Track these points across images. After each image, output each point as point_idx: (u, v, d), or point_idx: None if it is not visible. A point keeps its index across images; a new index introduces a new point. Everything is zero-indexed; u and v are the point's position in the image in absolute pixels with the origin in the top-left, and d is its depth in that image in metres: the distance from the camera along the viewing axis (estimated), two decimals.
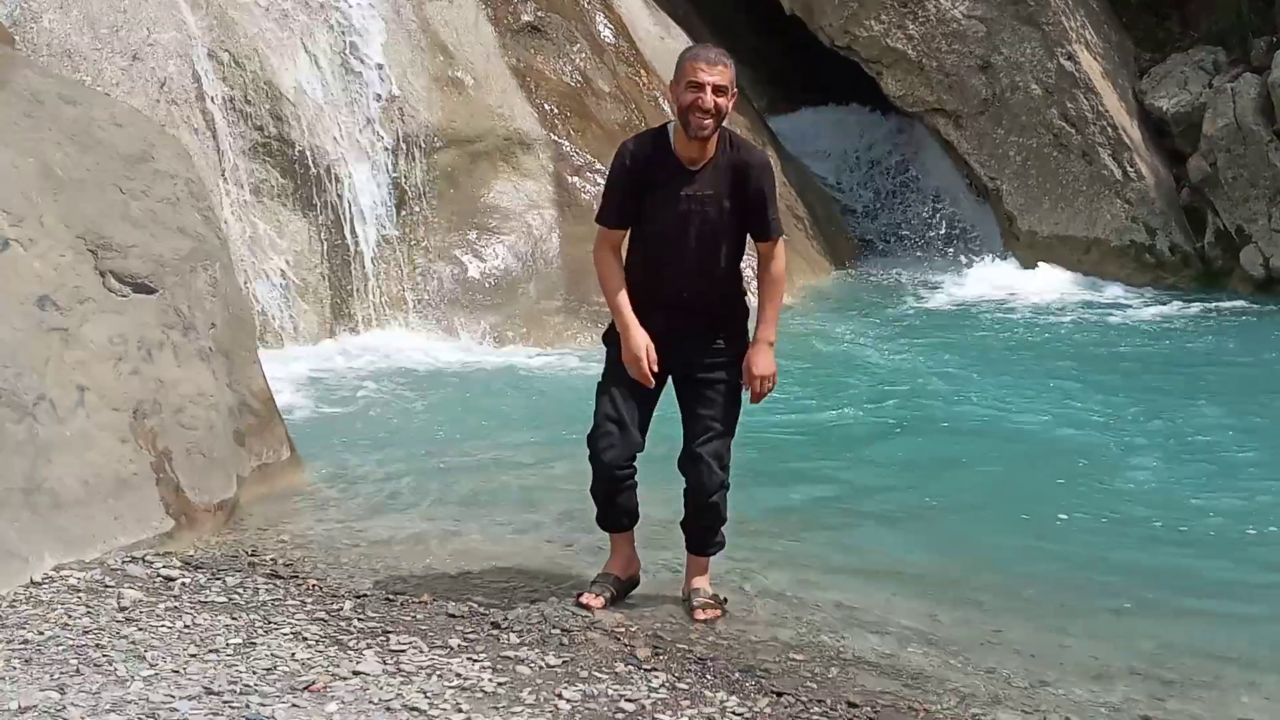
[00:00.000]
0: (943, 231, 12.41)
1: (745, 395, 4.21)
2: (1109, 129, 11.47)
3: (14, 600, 3.97)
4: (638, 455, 4.17)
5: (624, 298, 4.13)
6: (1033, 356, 8.84)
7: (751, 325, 4.22)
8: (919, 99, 12.09)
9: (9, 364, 4.52)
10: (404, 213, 9.03)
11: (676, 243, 4.09)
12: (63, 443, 4.49)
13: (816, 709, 3.47)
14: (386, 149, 9.03)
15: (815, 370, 8.32)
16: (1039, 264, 11.51)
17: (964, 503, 5.72)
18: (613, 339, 4.20)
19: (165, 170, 5.70)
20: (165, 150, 5.85)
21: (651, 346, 4.07)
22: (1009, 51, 11.75)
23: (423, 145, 9.21)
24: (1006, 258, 11.77)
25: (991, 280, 11.29)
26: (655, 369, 4.08)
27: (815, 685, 3.66)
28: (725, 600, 4.25)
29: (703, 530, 4.24)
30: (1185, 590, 4.67)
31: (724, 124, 4.12)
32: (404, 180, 9.02)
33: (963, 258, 11.96)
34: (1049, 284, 11.14)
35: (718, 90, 3.98)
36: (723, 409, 4.15)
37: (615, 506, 4.21)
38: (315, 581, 4.36)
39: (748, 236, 4.21)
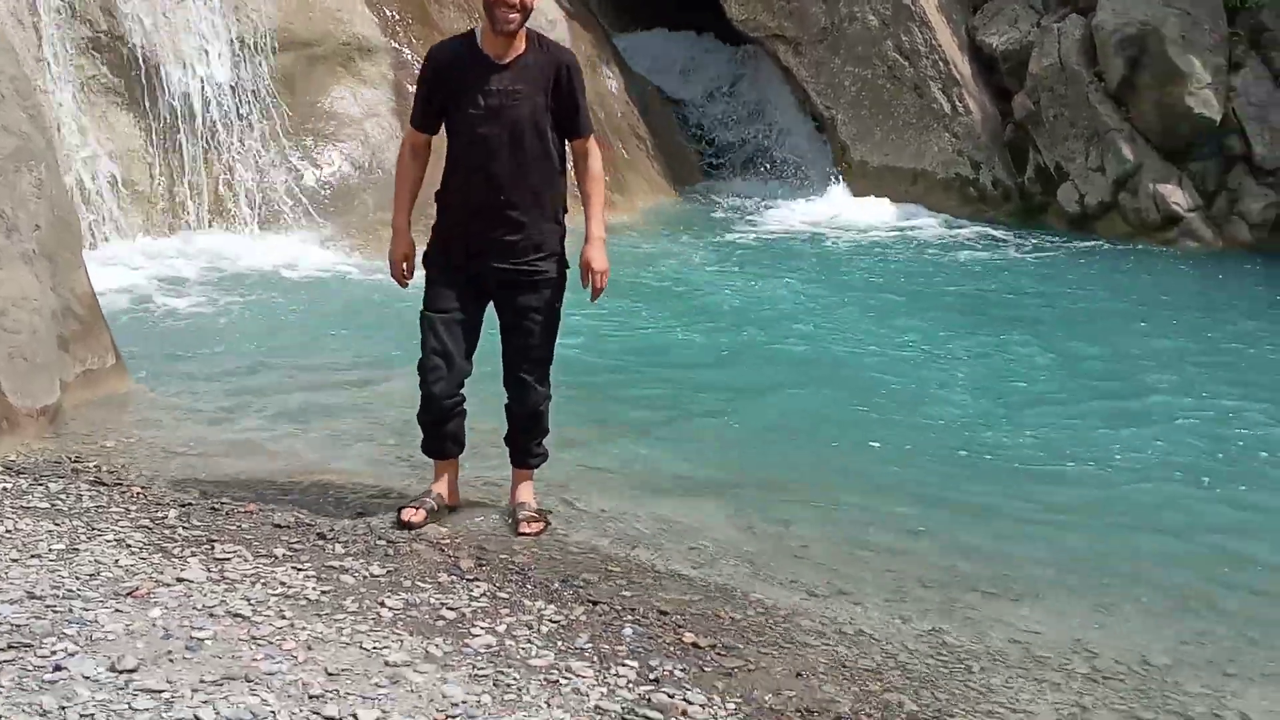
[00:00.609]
0: (781, 158, 12.67)
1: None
2: (941, 63, 11.82)
3: None
4: (465, 381, 4.27)
5: (405, 200, 4.26)
6: (856, 285, 9.17)
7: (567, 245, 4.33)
8: (760, 24, 12.27)
9: None
10: (240, 115, 8.86)
11: (488, 141, 4.10)
12: None
13: (629, 617, 3.66)
14: (222, 49, 8.83)
15: (647, 290, 8.49)
16: (868, 194, 11.87)
17: (780, 425, 5.95)
18: (431, 262, 4.26)
19: None
20: None
21: (410, 257, 4.26)
22: None
23: (260, 46, 9.02)
24: (838, 186, 12.10)
25: (823, 209, 11.62)
26: (409, 279, 4.27)
27: (629, 594, 3.84)
28: (549, 513, 4.40)
29: (526, 443, 4.37)
30: (980, 513, 4.97)
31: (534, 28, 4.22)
32: (240, 82, 8.84)
33: (798, 185, 12.25)
34: (876, 214, 11.52)
35: None
36: (543, 330, 4.25)
37: (442, 435, 4.32)
38: (140, 489, 4.37)
39: (563, 147, 4.29)
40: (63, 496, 4.21)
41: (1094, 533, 4.82)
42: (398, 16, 9.93)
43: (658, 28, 13.82)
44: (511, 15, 4.03)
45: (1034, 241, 10.96)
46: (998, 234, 11.13)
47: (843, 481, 5.21)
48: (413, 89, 9.53)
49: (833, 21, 12.07)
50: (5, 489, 4.21)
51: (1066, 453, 5.74)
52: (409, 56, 9.79)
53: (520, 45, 4.13)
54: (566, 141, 4.28)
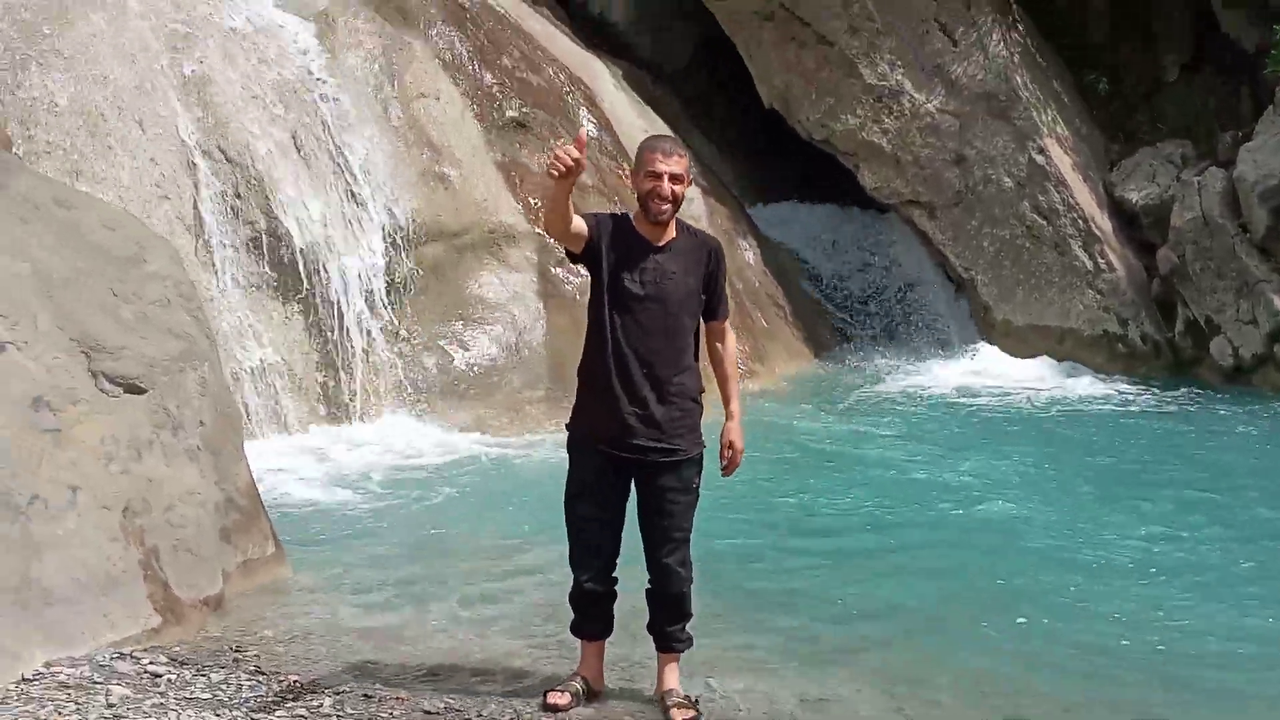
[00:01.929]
0: (920, 321, 12.67)
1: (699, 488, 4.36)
2: (1080, 221, 11.78)
3: (5, 697, 4.09)
4: (616, 563, 4.34)
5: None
6: (1006, 448, 9.01)
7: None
8: (895, 191, 12.41)
9: (3, 464, 4.66)
10: (391, 305, 9.22)
11: (641, 320, 4.25)
12: (54, 541, 4.63)
13: None
14: (375, 241, 9.24)
15: (789, 459, 8.48)
16: (1013, 353, 11.77)
17: (927, 598, 5.84)
18: (575, 444, 4.36)
19: (156, 272, 5.88)
20: (157, 252, 6.03)
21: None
22: (982, 145, 12.09)
23: (410, 238, 9.43)
24: (981, 347, 12.03)
25: (967, 370, 11.54)
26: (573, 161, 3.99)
27: None
28: (697, 700, 4.38)
29: (670, 628, 4.39)
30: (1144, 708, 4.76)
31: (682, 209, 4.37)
32: (392, 273, 9.23)
33: (939, 347, 12.21)
34: (1023, 373, 11.39)
35: (674, 178, 4.25)
36: (684, 514, 4.32)
37: (591, 617, 4.41)
38: (296, 678, 4.48)
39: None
40: (224, 686, 4.33)
41: None
42: (540, 204, 10.29)
43: (789, 198, 14.07)
44: (665, 206, 4.24)
45: (1189, 397, 10.69)
46: (1151, 390, 10.89)
47: (993, 661, 5.07)
48: (555, 272, 10.03)
49: (967, 185, 12.15)
50: (170, 680, 4.36)
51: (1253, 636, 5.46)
52: (551, 241, 10.10)
53: (672, 231, 4.31)
54: (703, 323, 4.41)
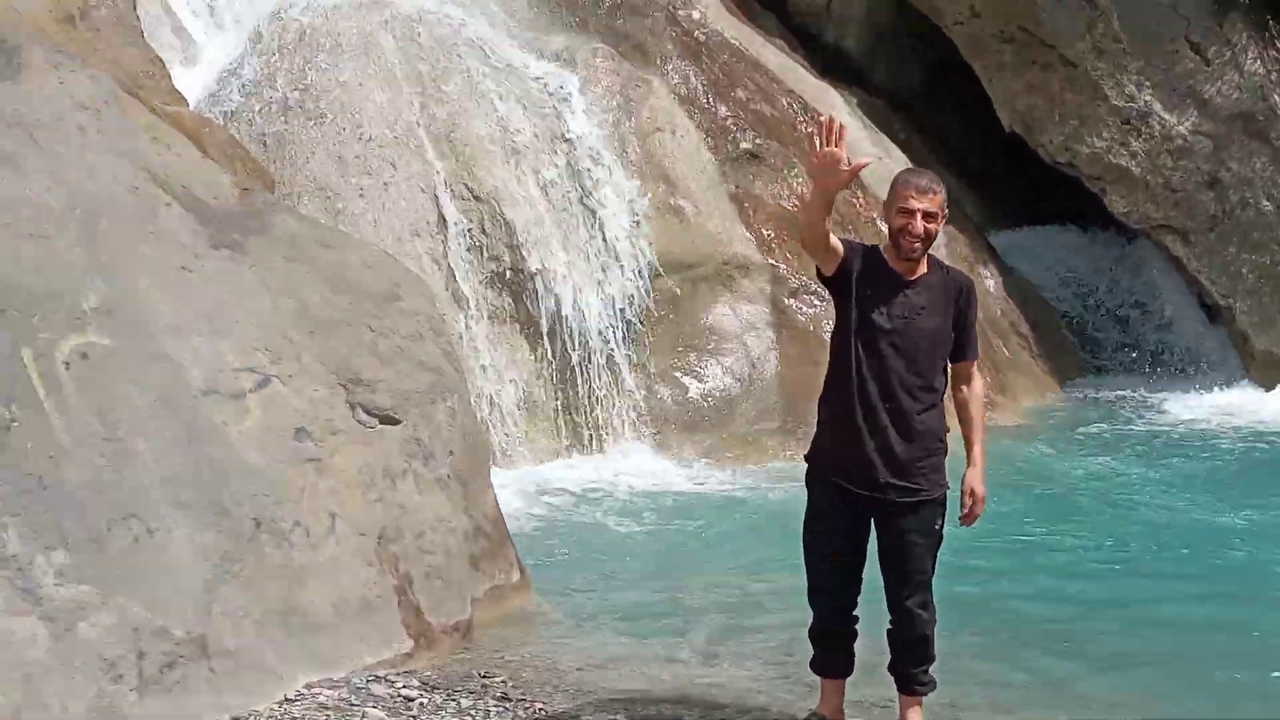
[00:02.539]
0: (1171, 350, 12.11)
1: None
2: None
3: (269, 716, 4.30)
4: (858, 600, 4.27)
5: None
6: (1266, 488, 8.51)
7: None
8: (1145, 215, 11.91)
9: (269, 493, 4.91)
10: (628, 337, 9.36)
11: (888, 356, 4.18)
12: (315, 567, 4.84)
13: None
14: (613, 275, 9.40)
15: (1036, 494, 8.22)
16: (1274, 386, 11.11)
17: (1182, 648, 5.57)
18: (814, 478, 4.31)
19: (410, 308, 6.12)
20: (410, 289, 6.27)
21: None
22: (1238, 167, 11.50)
23: (646, 271, 9.56)
24: (1241, 378, 11.40)
25: (1225, 402, 10.94)
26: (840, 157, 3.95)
27: None
28: None
29: (913, 670, 4.28)
30: None
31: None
32: (629, 305, 9.37)
33: (1193, 378, 11.63)
34: None
35: (927, 216, 4.15)
36: (924, 557, 4.21)
37: (831, 654, 4.33)
38: (541, 705, 4.57)
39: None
40: (472, 712, 4.45)
41: None
42: (773, 235, 10.29)
43: (1030, 222, 13.66)
44: (916, 244, 4.17)
45: None
46: None
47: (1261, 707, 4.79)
48: (789, 303, 10.00)
49: (1223, 209, 11.57)
50: (422, 704, 4.50)
51: None
52: (784, 272, 10.09)
53: (923, 266, 4.24)
54: (949, 363, 4.31)
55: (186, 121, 6.62)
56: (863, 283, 4.19)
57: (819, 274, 4.31)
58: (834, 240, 4.15)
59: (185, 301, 5.19)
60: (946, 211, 4.26)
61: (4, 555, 4.05)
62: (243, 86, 8.73)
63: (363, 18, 9.23)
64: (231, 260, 5.58)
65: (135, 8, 7.08)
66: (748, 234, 10.21)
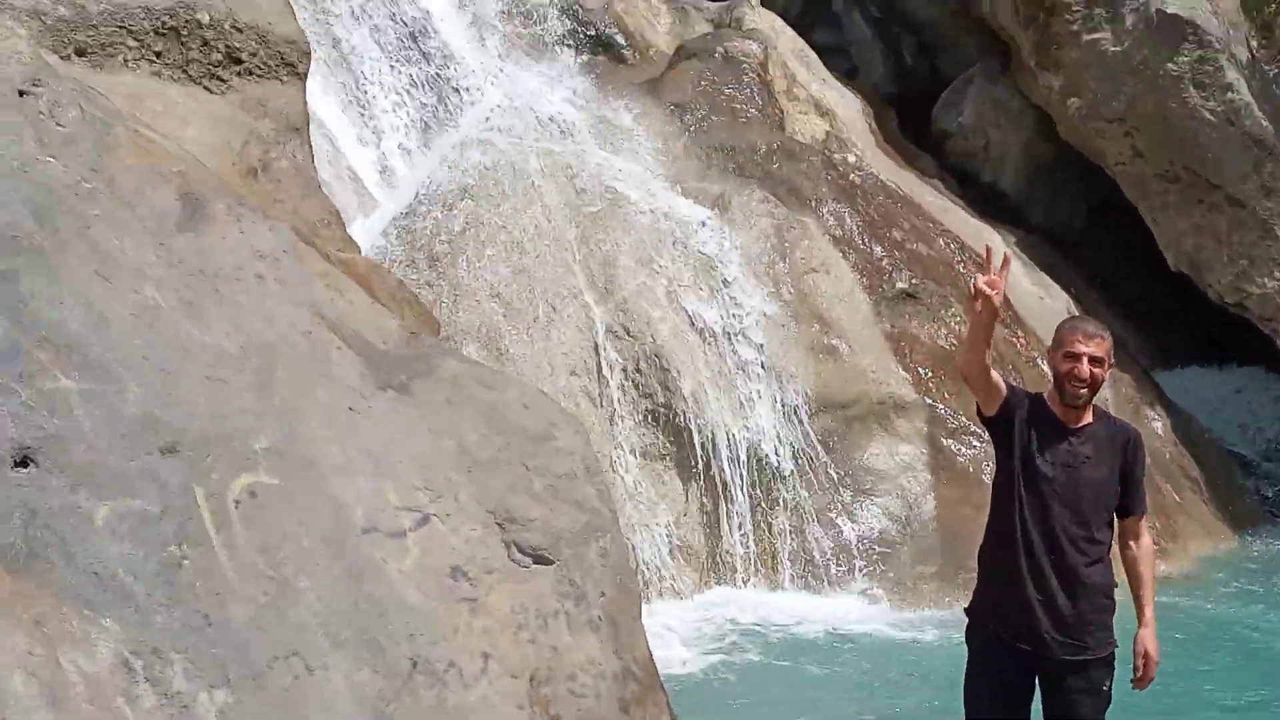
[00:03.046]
0: None
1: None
2: None
3: None
4: None
5: None
6: None
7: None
8: None
9: (425, 632, 4.99)
10: (781, 476, 9.32)
11: (1052, 506, 4.10)
12: (467, 708, 4.87)
13: None
14: (766, 414, 9.42)
15: (1208, 651, 7.85)
16: None
17: None
18: (974, 632, 4.21)
19: (565, 448, 6.20)
20: (566, 429, 6.37)
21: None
22: None
23: (800, 410, 9.54)
24: None
25: None
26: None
27: None
28: None
29: None
30: None
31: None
32: (781, 444, 9.35)
33: None
34: None
35: (1094, 361, 4.09)
36: (1092, 716, 4.07)
37: None
38: None
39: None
40: None
41: None
42: (930, 374, 10.20)
43: (1198, 362, 13.28)
44: (1082, 390, 4.13)
45: None
46: None
47: None
48: (947, 443, 9.85)
49: None
50: None
51: None
52: (943, 412, 9.97)
53: (1088, 415, 4.18)
54: (1116, 517, 4.20)
55: (359, 267, 6.91)
56: (1026, 428, 4.14)
57: (979, 413, 4.27)
58: (995, 377, 4.12)
59: (351, 442, 5.37)
60: (1113, 359, 4.21)
61: (170, 692, 4.17)
62: (412, 233, 9.10)
63: (525, 165, 9.56)
64: (397, 402, 5.76)
65: (313, 160, 7.46)
66: (904, 373, 10.14)
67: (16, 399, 4.05)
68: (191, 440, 4.73)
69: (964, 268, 11.20)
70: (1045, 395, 4.22)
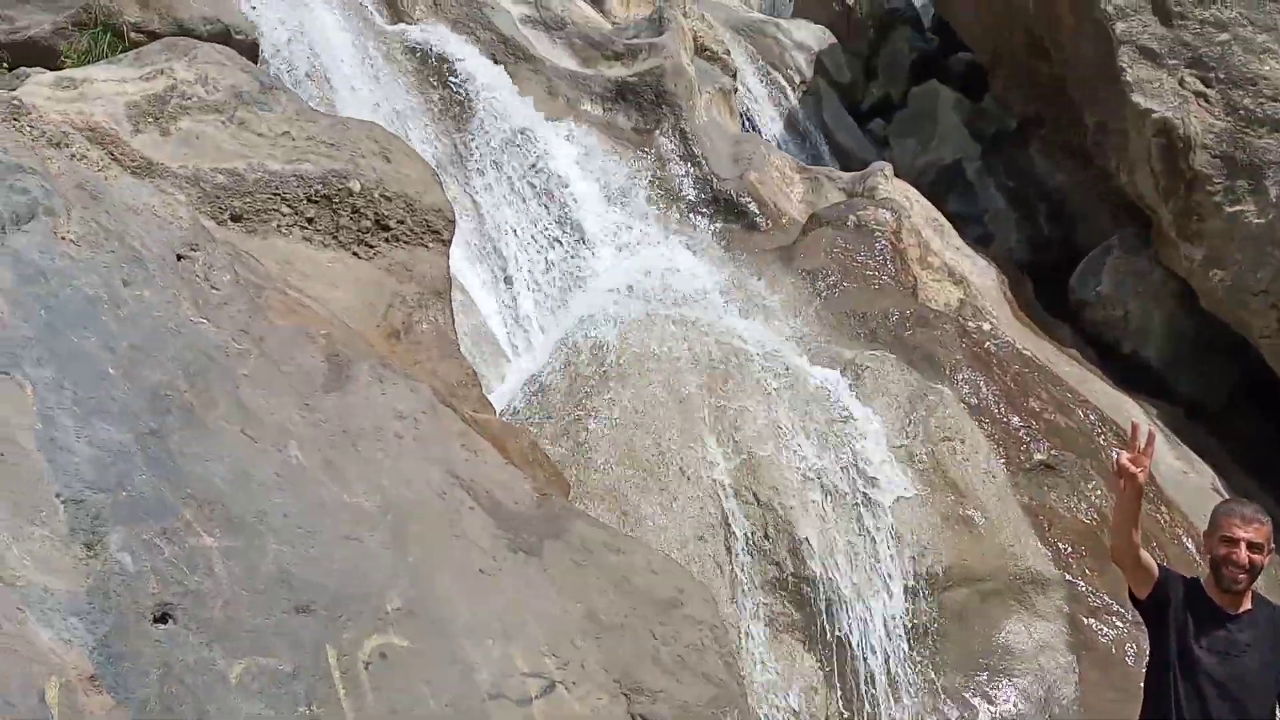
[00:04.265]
0: None
1: None
2: None
3: None
4: None
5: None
6: None
7: None
8: None
9: None
10: (913, 652, 9.04)
11: (1208, 693, 3.93)
12: None
13: None
14: (898, 585, 9.19)
15: None
16: None
17: None
18: None
19: (693, 616, 6.13)
20: (694, 597, 6.30)
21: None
22: None
23: (933, 583, 9.29)
24: None
25: None
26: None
27: None
28: None
29: None
30: None
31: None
32: (914, 618, 9.09)
33: None
34: None
35: (1252, 547, 3.97)
36: None
37: None
38: None
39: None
40: None
41: None
42: (1071, 549, 9.88)
43: None
44: (1240, 575, 4.00)
45: None
46: None
47: None
48: (1088, 622, 9.47)
49: None
50: None
51: None
52: (1084, 589, 9.62)
53: (1247, 601, 4.03)
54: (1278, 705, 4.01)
55: (493, 428, 7.00)
56: (1181, 614, 4.00)
57: (1131, 596, 4.14)
58: (1146, 557, 3.99)
59: (481, 604, 5.37)
60: (1274, 546, 4.05)
61: None
62: (544, 395, 9.21)
63: (656, 331, 9.66)
64: (527, 564, 5.77)
65: (453, 322, 7.64)
66: (1042, 548, 9.84)
67: (161, 555, 4.14)
68: (326, 599, 4.77)
69: (1104, 440, 10.93)
70: (1202, 580, 4.07)
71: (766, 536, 8.98)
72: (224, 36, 9.25)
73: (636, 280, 10.31)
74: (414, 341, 7.10)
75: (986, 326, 11.24)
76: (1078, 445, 10.59)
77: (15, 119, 5.85)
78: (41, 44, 8.92)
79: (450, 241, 7.81)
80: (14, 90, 6.96)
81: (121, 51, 8.29)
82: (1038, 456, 10.29)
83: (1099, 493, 10.32)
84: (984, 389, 10.45)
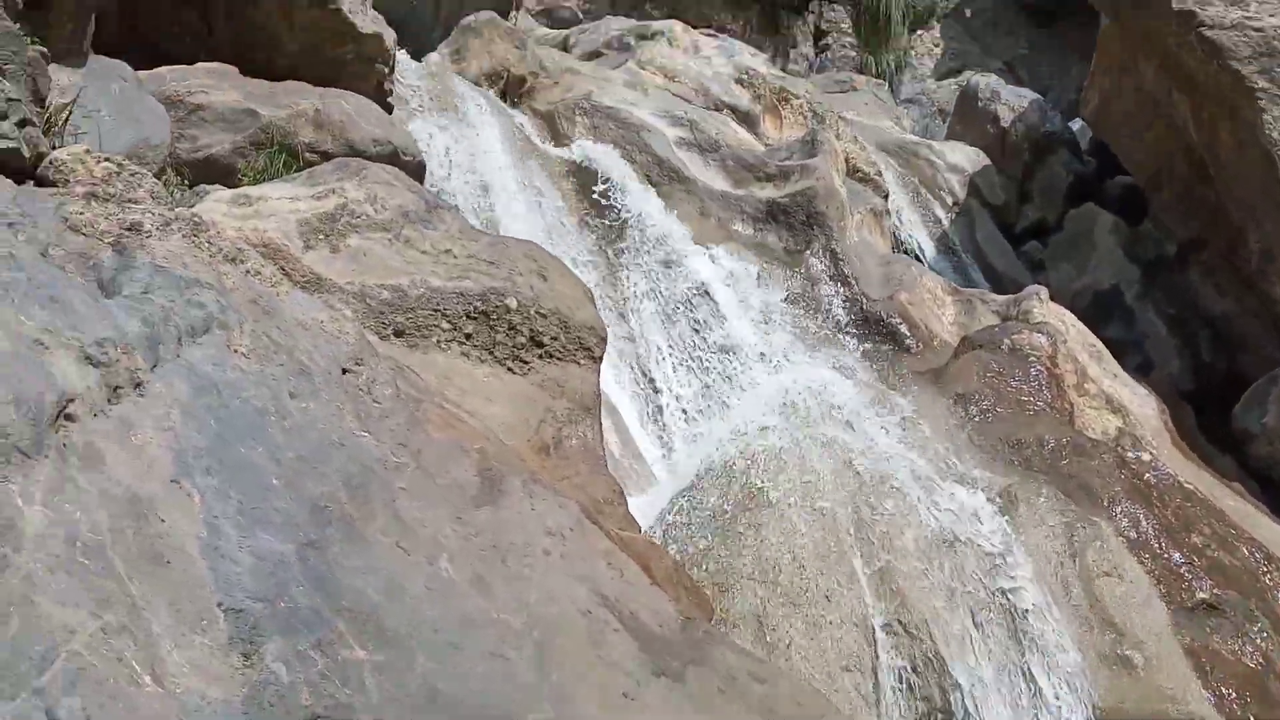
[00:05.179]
0: None
1: None
2: None
3: None
4: None
5: None
6: None
7: None
8: None
9: None
10: None
11: None
12: None
13: None
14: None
15: None
16: None
17: None
18: None
19: None
20: None
21: None
22: None
23: None
24: None
25: None
26: None
27: None
28: None
29: None
30: None
31: None
32: None
33: None
34: None
35: None
36: None
37: None
38: None
39: None
40: None
41: None
42: (1234, 694, 9.40)
43: None
44: None
45: None
46: None
47: None
48: None
49: None
50: None
51: None
52: None
53: None
54: None
55: (639, 547, 6.99)
56: None
57: None
58: None
59: None
60: None
61: None
62: (689, 514, 9.17)
63: (805, 451, 9.59)
64: (670, 690, 5.70)
65: (602, 439, 7.69)
66: (1205, 692, 9.38)
67: (314, 668, 4.20)
68: (469, 715, 4.77)
69: (1271, 579, 10.44)
70: None
71: (915, 670, 8.75)
72: (393, 157, 9.61)
73: (784, 401, 10.28)
74: (563, 457, 7.17)
75: (1146, 457, 10.89)
76: (1242, 584, 10.13)
77: (195, 235, 6.12)
78: (221, 162, 9.37)
79: (601, 358, 7.91)
80: (193, 207, 7.31)
81: (296, 170, 8.67)
82: (1200, 595, 9.87)
83: (1265, 635, 9.83)
84: (1144, 522, 10.09)
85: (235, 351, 5.34)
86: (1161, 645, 9.49)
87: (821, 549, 9.03)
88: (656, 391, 10.80)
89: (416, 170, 10.08)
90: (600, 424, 7.94)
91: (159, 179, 7.87)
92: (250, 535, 4.52)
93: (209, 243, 6.18)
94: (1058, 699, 8.87)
